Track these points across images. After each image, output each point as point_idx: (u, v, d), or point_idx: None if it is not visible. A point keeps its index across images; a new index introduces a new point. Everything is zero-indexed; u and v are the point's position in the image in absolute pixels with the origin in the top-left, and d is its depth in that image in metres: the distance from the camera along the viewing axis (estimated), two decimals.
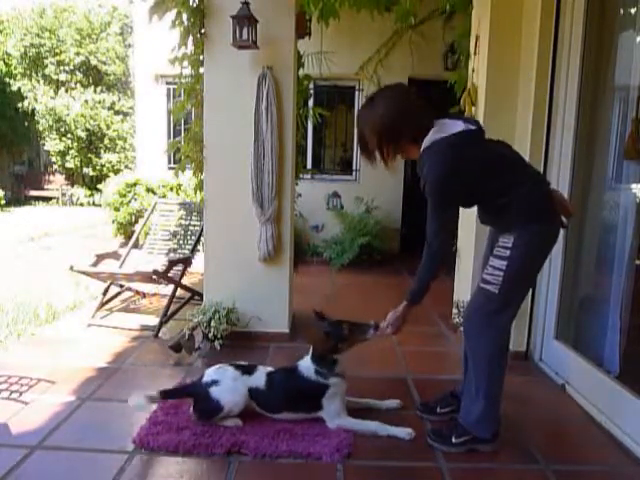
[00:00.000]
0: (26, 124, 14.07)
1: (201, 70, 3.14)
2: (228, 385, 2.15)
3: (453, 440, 2.01)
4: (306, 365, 2.21)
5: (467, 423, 2.03)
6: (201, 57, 3.11)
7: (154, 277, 3.37)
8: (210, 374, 2.22)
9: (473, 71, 3.23)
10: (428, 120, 1.94)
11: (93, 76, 14.07)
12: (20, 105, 13.56)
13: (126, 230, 6.68)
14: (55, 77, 13.73)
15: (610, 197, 2.72)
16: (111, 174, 11.73)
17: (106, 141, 13.64)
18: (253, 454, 1.94)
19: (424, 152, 1.91)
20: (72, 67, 13.72)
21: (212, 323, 2.92)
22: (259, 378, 2.22)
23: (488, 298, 1.94)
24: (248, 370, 2.25)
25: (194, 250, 3.81)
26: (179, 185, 6.58)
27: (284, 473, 1.87)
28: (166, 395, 2.18)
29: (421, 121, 1.94)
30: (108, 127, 13.56)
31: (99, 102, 13.51)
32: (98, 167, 13.59)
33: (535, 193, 1.91)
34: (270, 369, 2.30)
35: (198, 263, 3.70)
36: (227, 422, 2.13)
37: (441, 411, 2.27)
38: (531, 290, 2.93)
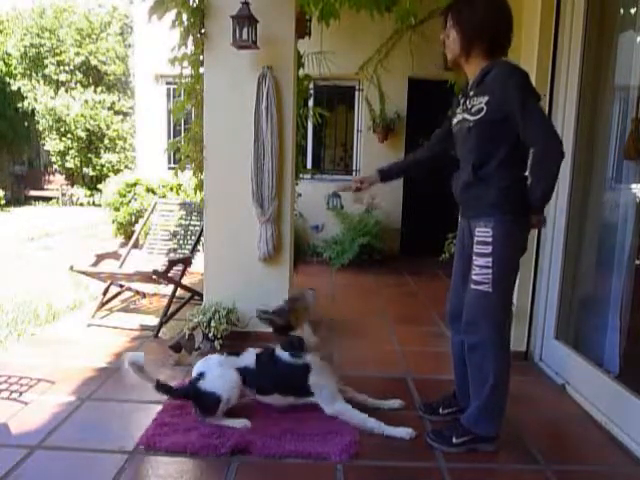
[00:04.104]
0: (26, 124, 14.06)
1: (201, 70, 3.14)
2: (215, 372, 2.13)
3: (454, 440, 2.01)
4: (280, 351, 2.24)
5: (469, 422, 2.02)
6: (201, 57, 3.10)
7: (154, 277, 3.37)
8: (196, 369, 2.20)
9: None
10: (508, 45, 1.95)
11: (93, 76, 14.06)
12: (20, 105, 13.55)
13: (126, 230, 6.68)
14: (55, 77, 13.71)
15: (610, 197, 2.72)
16: (111, 174, 11.70)
17: (106, 141, 13.63)
18: (259, 454, 1.94)
19: (500, 62, 1.90)
20: (72, 67, 13.71)
21: (212, 323, 2.92)
22: (248, 358, 2.21)
23: (485, 298, 1.93)
24: (235, 352, 2.23)
25: (194, 250, 3.81)
26: (179, 185, 6.58)
27: (285, 472, 1.87)
28: (160, 387, 2.13)
29: (507, 39, 1.95)
30: (108, 127, 13.55)
31: (99, 102, 13.50)
32: (98, 167, 13.58)
33: (523, 183, 1.90)
34: (260, 350, 2.29)
35: (198, 263, 3.70)
36: (235, 423, 2.10)
37: (444, 412, 2.26)
38: (531, 290, 2.94)
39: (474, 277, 1.95)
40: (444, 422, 2.20)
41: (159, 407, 2.29)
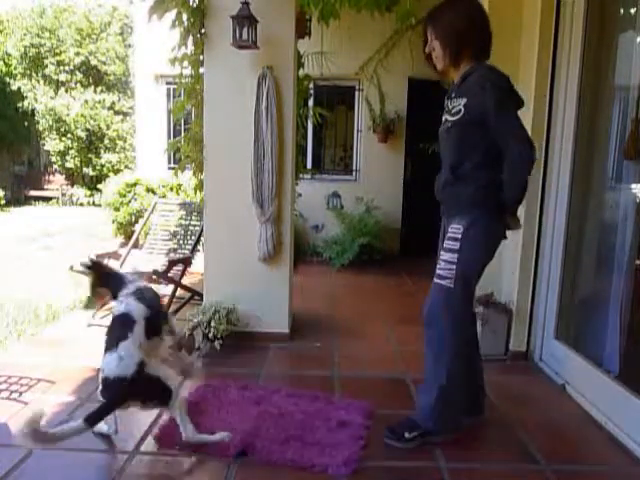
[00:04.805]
0: (26, 124, 14.04)
1: (201, 70, 3.14)
2: (113, 357, 1.81)
3: (406, 436, 2.02)
4: None
5: (419, 418, 2.04)
6: (201, 57, 3.10)
7: (154, 277, 3.37)
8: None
9: None
10: (489, 49, 1.98)
11: (93, 76, 14.05)
12: (20, 105, 13.54)
13: (126, 230, 6.67)
14: (55, 77, 13.70)
15: (610, 197, 2.72)
16: (111, 174, 11.69)
17: (106, 141, 13.62)
18: (260, 459, 1.91)
19: (481, 66, 1.93)
20: (72, 67, 13.69)
21: (212, 323, 2.92)
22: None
23: (445, 293, 1.96)
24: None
25: (194, 250, 3.81)
26: (179, 185, 6.58)
27: (284, 475, 1.87)
28: (90, 419, 1.75)
29: (488, 43, 1.97)
30: (108, 127, 13.54)
31: (99, 102, 13.49)
32: (98, 167, 13.57)
33: (498, 185, 1.92)
34: None
35: (198, 263, 3.70)
36: (217, 438, 1.94)
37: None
38: (531, 290, 2.94)
39: (438, 271, 1.99)
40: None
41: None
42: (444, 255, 1.97)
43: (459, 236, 1.93)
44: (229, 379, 2.60)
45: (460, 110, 1.92)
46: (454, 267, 1.93)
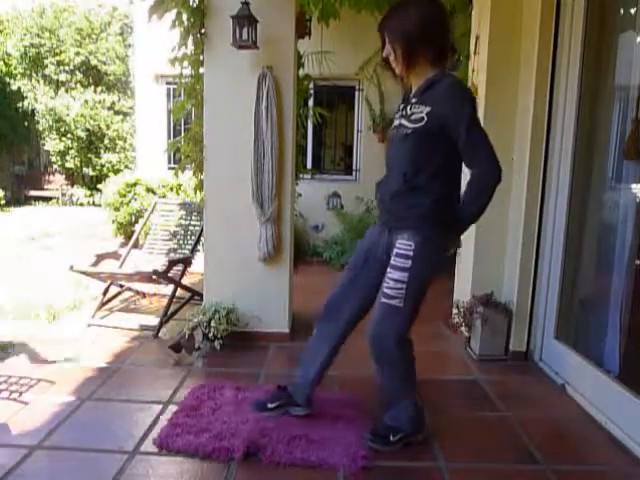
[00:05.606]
0: (26, 124, 14.04)
1: (201, 70, 3.14)
2: None
3: (391, 439, 2.03)
4: None
5: (397, 423, 2.06)
6: (201, 57, 3.10)
7: (154, 277, 3.37)
8: None
9: (473, 71, 3.23)
10: (449, 50, 1.92)
11: (93, 76, 14.04)
12: (20, 105, 13.54)
13: (126, 230, 6.67)
14: (55, 77, 13.70)
15: (610, 197, 2.72)
16: (111, 174, 11.69)
17: (106, 141, 13.62)
18: (267, 460, 1.92)
19: (449, 76, 1.88)
20: (72, 67, 13.69)
21: (212, 323, 2.92)
22: None
23: (393, 312, 1.91)
24: None
25: (194, 250, 3.81)
26: (179, 185, 6.57)
27: (284, 475, 1.87)
28: None
29: (448, 44, 1.92)
30: (108, 127, 13.53)
31: (99, 102, 13.49)
32: (98, 167, 13.57)
33: (453, 200, 1.89)
34: None
35: (198, 263, 3.70)
36: None
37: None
38: (531, 290, 2.94)
39: (386, 290, 1.91)
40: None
41: (159, 407, 2.30)
42: (393, 274, 1.89)
43: (411, 254, 1.86)
44: (224, 379, 2.60)
45: (422, 118, 1.84)
46: (404, 286, 1.86)
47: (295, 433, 2.07)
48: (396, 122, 1.99)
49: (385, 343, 1.96)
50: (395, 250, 1.91)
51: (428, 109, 1.84)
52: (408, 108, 1.93)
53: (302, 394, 2.21)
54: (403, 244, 1.89)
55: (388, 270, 1.92)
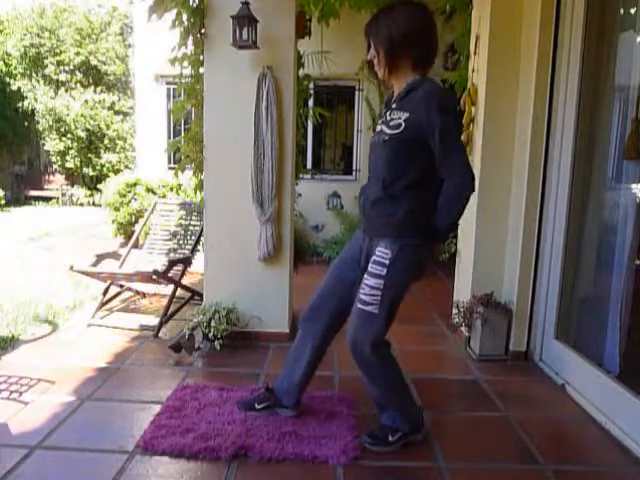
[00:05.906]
0: (26, 124, 14.06)
1: (201, 70, 3.14)
2: None
3: (390, 439, 2.03)
4: None
5: (394, 424, 2.06)
6: (201, 57, 3.11)
7: (154, 277, 3.37)
8: None
9: (473, 71, 3.23)
10: (433, 56, 1.90)
11: (93, 76, 14.05)
12: (20, 105, 13.55)
13: (126, 230, 6.68)
14: (55, 77, 13.71)
15: (610, 197, 2.72)
16: (111, 174, 11.71)
17: (106, 141, 13.63)
18: (258, 457, 1.93)
19: (429, 82, 1.84)
20: (72, 67, 13.70)
21: (212, 323, 2.92)
22: None
23: (369, 319, 1.91)
24: None
25: (194, 250, 3.81)
26: (179, 185, 6.57)
27: (284, 474, 1.87)
28: None
29: (431, 50, 1.90)
30: (108, 127, 13.54)
31: (99, 102, 13.50)
32: (98, 167, 13.58)
33: (431, 209, 1.86)
34: None
35: (198, 263, 3.70)
36: None
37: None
38: (531, 290, 2.94)
39: (362, 296, 1.91)
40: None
41: (159, 407, 2.29)
42: (369, 280, 1.88)
43: (387, 262, 1.85)
44: (222, 380, 2.61)
45: (400, 124, 1.81)
46: (379, 293, 1.86)
47: (285, 430, 2.09)
48: (378, 127, 1.98)
49: (361, 349, 1.95)
50: (373, 257, 1.91)
51: (406, 115, 1.82)
52: (388, 114, 1.91)
53: (289, 397, 2.22)
54: (381, 251, 1.89)
55: (365, 276, 1.92)
